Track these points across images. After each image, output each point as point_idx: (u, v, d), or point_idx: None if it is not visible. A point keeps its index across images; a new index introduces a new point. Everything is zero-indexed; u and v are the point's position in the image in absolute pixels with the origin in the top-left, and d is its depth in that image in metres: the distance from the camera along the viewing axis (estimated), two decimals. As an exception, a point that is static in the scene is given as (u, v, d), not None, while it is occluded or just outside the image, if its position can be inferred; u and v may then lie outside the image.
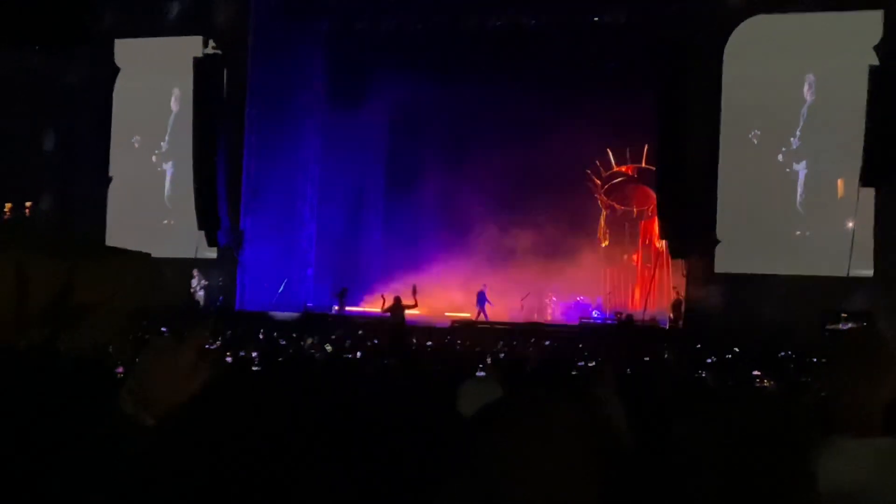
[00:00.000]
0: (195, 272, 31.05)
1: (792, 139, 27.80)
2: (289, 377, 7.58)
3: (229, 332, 21.33)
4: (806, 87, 27.79)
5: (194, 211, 30.39)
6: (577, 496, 2.12)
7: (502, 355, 15.84)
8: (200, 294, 30.99)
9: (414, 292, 25.71)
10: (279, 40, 32.63)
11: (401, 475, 3.42)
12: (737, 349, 19.41)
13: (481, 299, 32.46)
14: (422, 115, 34.43)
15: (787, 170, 27.83)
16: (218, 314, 29.22)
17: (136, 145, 33.49)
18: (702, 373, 10.91)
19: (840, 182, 27.21)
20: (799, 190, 27.74)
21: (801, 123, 27.73)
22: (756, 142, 28.02)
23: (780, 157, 27.88)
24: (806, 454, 2.63)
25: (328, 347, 17.64)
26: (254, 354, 12.79)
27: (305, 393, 5.85)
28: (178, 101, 32.96)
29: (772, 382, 9.78)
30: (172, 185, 33.03)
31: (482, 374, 10.36)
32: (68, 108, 33.51)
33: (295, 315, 30.42)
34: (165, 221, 32.81)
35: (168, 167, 33.24)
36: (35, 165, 33.83)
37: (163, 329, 19.26)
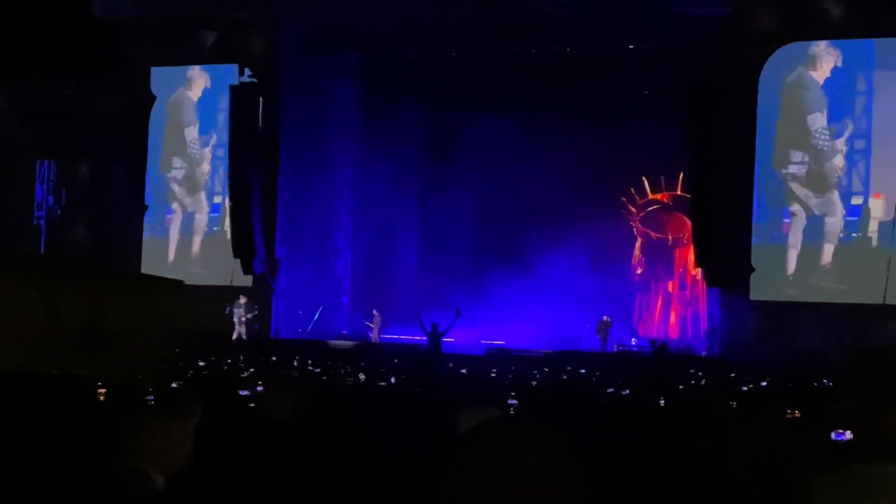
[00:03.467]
0: (242, 300, 30.74)
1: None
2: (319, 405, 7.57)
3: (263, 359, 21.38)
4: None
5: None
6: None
7: (534, 383, 15.80)
8: (242, 326, 30.63)
9: (457, 314, 25.56)
10: (311, 70, 32.95)
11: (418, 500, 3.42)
12: (771, 378, 19.29)
13: (607, 329, 32.11)
14: (455, 143, 34.41)
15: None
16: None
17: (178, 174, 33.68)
18: (733, 403, 10.82)
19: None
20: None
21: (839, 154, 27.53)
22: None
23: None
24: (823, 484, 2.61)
25: (361, 376, 17.63)
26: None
27: (334, 420, 5.85)
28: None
29: (798, 412, 9.63)
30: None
31: (514, 401, 10.32)
32: (104, 136, 33.67)
33: (351, 343, 30.45)
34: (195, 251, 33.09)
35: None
36: (70, 193, 34.04)
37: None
